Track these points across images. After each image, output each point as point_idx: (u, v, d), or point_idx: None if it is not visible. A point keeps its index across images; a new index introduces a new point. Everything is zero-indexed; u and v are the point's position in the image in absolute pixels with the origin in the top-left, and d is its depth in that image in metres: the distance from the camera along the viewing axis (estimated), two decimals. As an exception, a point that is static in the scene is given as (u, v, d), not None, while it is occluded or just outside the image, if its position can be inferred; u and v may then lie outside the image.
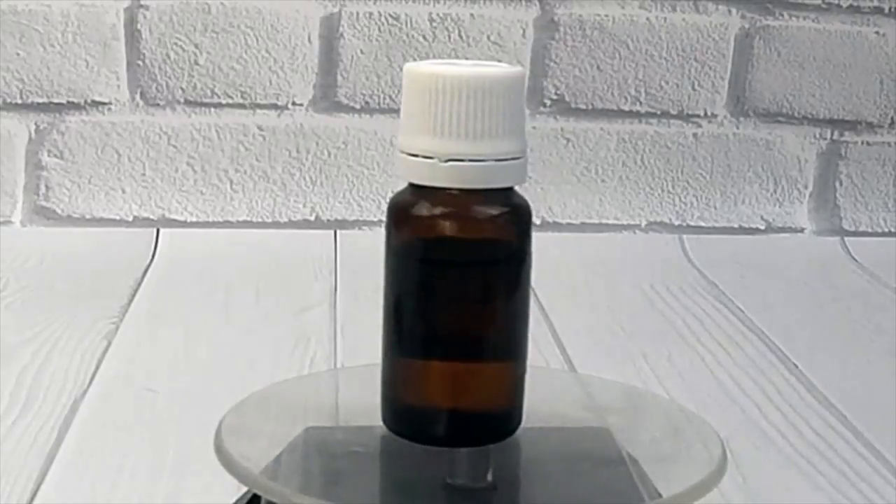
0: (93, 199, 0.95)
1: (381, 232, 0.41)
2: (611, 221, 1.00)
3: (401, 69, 0.48)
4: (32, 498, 0.53)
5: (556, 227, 0.99)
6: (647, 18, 0.97)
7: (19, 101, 0.93)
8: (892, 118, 1.01)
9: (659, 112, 0.99)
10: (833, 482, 0.57)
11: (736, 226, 1.01)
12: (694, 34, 0.98)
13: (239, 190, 0.96)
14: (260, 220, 0.97)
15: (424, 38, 0.95)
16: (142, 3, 0.92)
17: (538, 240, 0.42)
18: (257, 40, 0.94)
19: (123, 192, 0.95)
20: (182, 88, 0.94)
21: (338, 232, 0.97)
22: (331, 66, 0.95)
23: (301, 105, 0.96)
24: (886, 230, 1.03)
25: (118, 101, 0.94)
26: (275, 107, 0.95)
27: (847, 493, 0.56)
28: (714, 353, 0.75)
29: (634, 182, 1.00)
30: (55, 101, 0.93)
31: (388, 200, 0.41)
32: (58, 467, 0.56)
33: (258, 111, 0.95)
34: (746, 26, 0.98)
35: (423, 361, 0.41)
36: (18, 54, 0.92)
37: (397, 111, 0.41)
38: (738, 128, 1.00)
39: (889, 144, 1.02)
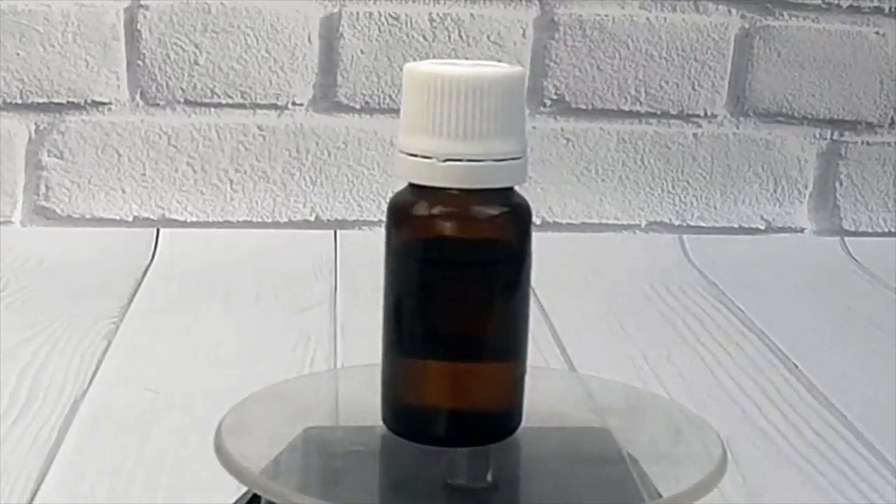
0: (93, 199, 0.95)
1: (381, 232, 0.41)
2: (611, 221, 1.00)
3: (401, 69, 0.48)
4: (32, 498, 0.53)
5: (556, 227, 0.99)
6: (647, 18, 0.97)
7: (19, 101, 0.93)
8: (892, 118, 1.01)
9: (659, 112, 0.99)
10: (833, 482, 0.57)
11: (736, 226, 1.01)
12: (694, 34, 0.98)
13: (239, 190, 0.96)
14: (260, 220, 0.97)
15: (424, 38, 0.95)
16: (142, 3, 0.92)
17: (538, 240, 0.42)
18: (257, 40, 0.94)
19: (123, 192, 0.95)
20: (182, 88, 0.94)
21: (338, 232, 0.97)
22: (331, 66, 0.95)
23: (301, 105, 0.96)
24: (886, 230, 1.03)
25: (118, 101, 0.94)
26: (275, 107, 0.95)
27: (847, 493, 0.56)
28: (714, 353, 0.75)
29: (634, 182, 1.00)
30: (55, 101, 0.93)
31: (388, 200, 0.41)
32: (58, 467, 0.56)
33: (258, 111, 0.95)
34: (746, 26, 0.98)
35: (423, 361, 0.41)
36: (18, 54, 0.92)
37: (397, 111, 0.41)
38: (738, 128, 1.00)
39: (889, 144, 1.02)
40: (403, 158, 0.40)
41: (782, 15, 0.99)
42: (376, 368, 0.42)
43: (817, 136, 1.01)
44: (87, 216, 0.95)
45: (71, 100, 0.93)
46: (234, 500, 0.44)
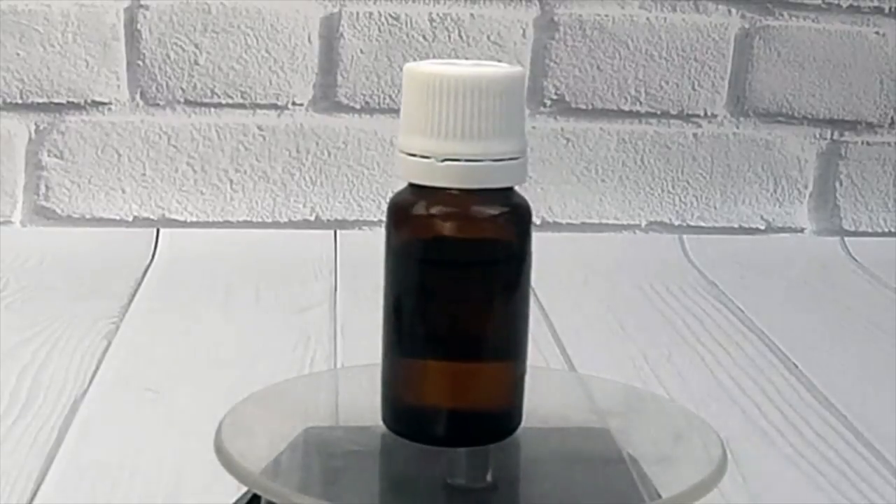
0: (93, 199, 0.95)
1: (381, 232, 0.41)
2: (611, 221, 1.00)
3: (401, 69, 0.48)
4: (32, 498, 0.53)
5: (556, 227, 0.99)
6: (647, 18, 0.97)
7: (19, 101, 0.93)
8: (892, 118, 1.01)
9: (659, 112, 0.99)
10: (833, 482, 0.57)
11: (736, 226, 1.01)
12: (694, 34, 0.98)
13: (239, 190, 0.96)
14: (260, 220, 0.97)
15: (424, 38, 0.95)
16: (142, 3, 0.92)
17: (538, 240, 0.42)
18: (257, 40, 0.94)
19: (123, 192, 0.95)
20: (182, 88, 0.94)
21: (338, 232, 0.97)
22: (331, 66, 0.95)
23: (301, 105, 0.96)
24: (886, 230, 1.03)
25: (118, 101, 0.94)
26: (275, 107, 0.95)
27: (847, 493, 0.56)
28: (714, 353, 0.75)
29: (634, 182, 1.00)
30: (55, 101, 0.93)
31: (388, 200, 0.41)
32: (58, 467, 0.56)
33: (258, 111, 0.95)
34: (746, 26, 0.98)
35: (423, 361, 0.41)
36: (18, 54, 0.92)
37: (397, 111, 0.41)
38: (738, 128, 1.00)
39: (889, 144, 1.02)
40: (403, 158, 0.40)
41: (782, 15, 0.99)
42: (376, 368, 0.42)
43: (817, 136, 1.01)
44: (87, 216, 0.95)
45: (71, 100, 0.93)
46: (234, 500, 0.44)
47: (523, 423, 0.42)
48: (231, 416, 0.43)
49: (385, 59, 0.95)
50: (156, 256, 0.91)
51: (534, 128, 0.97)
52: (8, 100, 0.92)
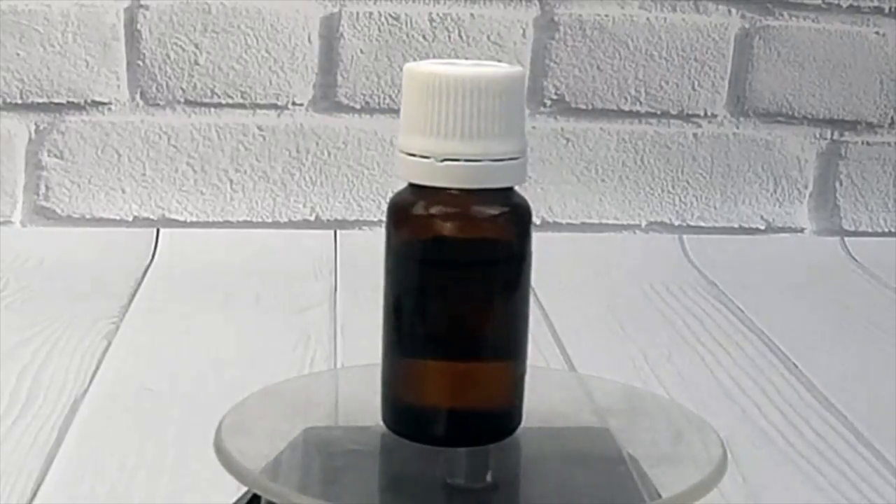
0: (93, 199, 0.95)
1: (381, 232, 0.41)
2: (611, 221, 1.00)
3: (401, 69, 0.48)
4: (32, 498, 0.53)
5: (556, 227, 0.99)
6: (647, 18, 0.97)
7: (19, 101, 0.93)
8: (892, 118, 1.01)
9: (659, 112, 0.99)
10: (833, 482, 0.57)
11: (736, 226, 1.01)
12: (694, 34, 0.98)
13: (239, 190, 0.96)
14: (260, 220, 0.97)
15: (424, 38, 0.95)
16: (142, 3, 0.92)
17: (538, 240, 0.42)
18: (257, 40, 0.94)
19: (123, 192, 0.95)
20: (182, 88, 0.94)
21: (338, 232, 0.97)
22: (331, 66, 0.95)
23: (301, 105, 0.96)
24: (886, 230, 1.03)
25: (118, 101, 0.94)
26: (275, 107, 0.95)
27: (847, 493, 0.56)
28: (714, 353, 0.75)
29: (634, 182, 1.00)
30: (55, 101, 0.93)
31: (388, 200, 0.41)
32: (58, 467, 0.56)
33: (258, 111, 0.95)
34: (746, 26, 0.98)
35: (422, 361, 0.41)
36: (18, 54, 0.92)
37: (397, 111, 0.41)
38: (738, 128, 1.00)
39: (889, 144, 1.02)
40: (403, 158, 0.40)
41: (782, 15, 0.99)
42: (376, 368, 0.42)
43: (817, 136, 1.01)
44: (87, 216, 0.95)
45: (71, 100, 0.93)
46: (234, 500, 0.44)
47: (523, 423, 0.42)
48: (231, 416, 0.43)
49: (385, 59, 0.95)
50: (156, 256, 0.91)
51: (534, 128, 0.97)
52: (8, 100, 0.92)
